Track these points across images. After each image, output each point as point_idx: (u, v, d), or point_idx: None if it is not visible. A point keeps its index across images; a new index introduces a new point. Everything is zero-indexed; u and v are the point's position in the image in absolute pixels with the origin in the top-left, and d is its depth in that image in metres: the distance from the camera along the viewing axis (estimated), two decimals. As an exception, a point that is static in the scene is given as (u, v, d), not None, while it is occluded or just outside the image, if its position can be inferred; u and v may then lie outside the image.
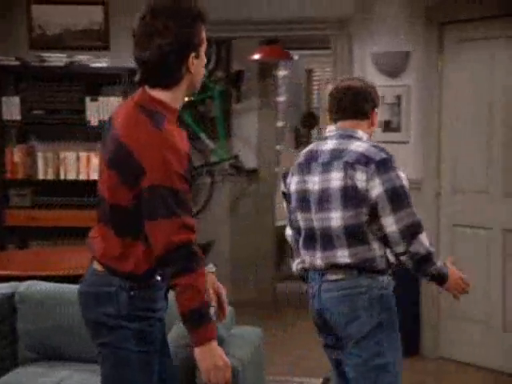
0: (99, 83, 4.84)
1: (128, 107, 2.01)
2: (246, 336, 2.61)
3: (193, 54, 2.00)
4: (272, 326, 4.89)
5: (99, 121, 4.72)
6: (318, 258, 2.42)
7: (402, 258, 2.34)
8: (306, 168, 2.47)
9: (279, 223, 6.58)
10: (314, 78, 7.39)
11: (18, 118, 4.73)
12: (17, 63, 4.75)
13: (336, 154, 2.41)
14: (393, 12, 4.54)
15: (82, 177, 4.79)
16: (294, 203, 2.51)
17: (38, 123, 4.75)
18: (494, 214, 4.14)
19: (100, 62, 4.80)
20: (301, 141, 7.33)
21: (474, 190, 4.25)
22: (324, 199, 2.39)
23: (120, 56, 4.89)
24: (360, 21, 4.68)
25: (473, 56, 4.19)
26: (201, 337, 1.91)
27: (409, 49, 4.49)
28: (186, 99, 6.25)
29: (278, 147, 6.47)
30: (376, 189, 2.32)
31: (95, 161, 4.77)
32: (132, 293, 1.96)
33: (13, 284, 2.80)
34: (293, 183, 2.51)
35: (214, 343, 1.91)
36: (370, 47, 4.62)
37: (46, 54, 4.75)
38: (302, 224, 2.48)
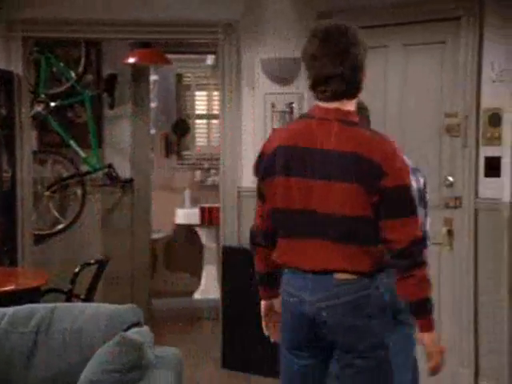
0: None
1: (331, 126, 2.19)
2: (167, 359, 2.43)
3: None
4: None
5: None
6: None
7: None
8: None
9: (155, 236, 6.39)
10: (185, 83, 7.26)
11: None
12: None
13: None
14: (283, 16, 4.52)
15: None
16: None
17: None
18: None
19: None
20: (172, 149, 7.16)
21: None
22: None
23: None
24: (248, 24, 4.62)
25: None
26: (431, 323, 2.19)
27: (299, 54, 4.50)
28: (53, 104, 5.94)
29: (152, 156, 6.27)
30: None
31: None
32: (381, 290, 2.20)
33: None
34: None
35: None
36: (259, 53, 4.57)
37: None
38: None
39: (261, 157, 2.28)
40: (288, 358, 2.27)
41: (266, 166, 2.25)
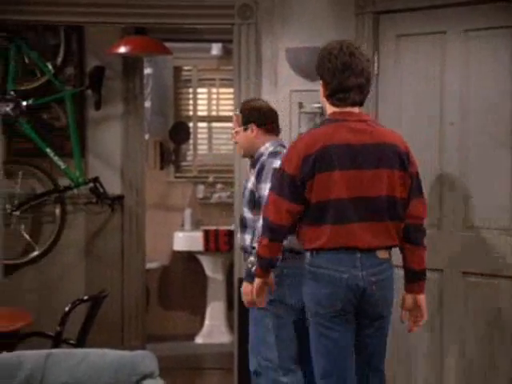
0: None
1: (368, 126, 3.27)
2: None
3: None
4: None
5: None
6: None
7: None
8: None
9: (148, 265, 6.39)
10: (184, 78, 7.29)
11: None
12: None
13: None
14: (314, -2, 4.57)
15: None
16: None
17: None
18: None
19: None
20: (169, 159, 7.17)
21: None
22: None
23: None
24: (270, 6, 4.64)
25: (417, 54, 4.30)
26: (424, 287, 3.33)
27: (335, 44, 4.53)
28: (24, 103, 5.95)
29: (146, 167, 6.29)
30: None
31: None
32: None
33: None
34: None
35: None
36: (284, 41, 4.58)
37: None
38: None
39: (306, 158, 3.16)
40: (327, 331, 3.21)
41: (316, 165, 3.15)
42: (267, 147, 3.75)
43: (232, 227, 5.39)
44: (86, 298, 3.87)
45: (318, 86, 4.48)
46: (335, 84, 3.23)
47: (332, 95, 3.26)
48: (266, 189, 3.49)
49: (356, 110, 3.26)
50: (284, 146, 3.76)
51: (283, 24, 4.62)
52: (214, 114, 7.34)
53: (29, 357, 2.53)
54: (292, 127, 4.65)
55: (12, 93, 5.62)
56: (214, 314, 6.78)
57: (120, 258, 5.90)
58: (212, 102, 7.33)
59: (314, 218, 3.17)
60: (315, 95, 4.53)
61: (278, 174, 3.24)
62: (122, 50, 5.62)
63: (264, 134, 3.78)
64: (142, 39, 5.66)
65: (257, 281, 3.36)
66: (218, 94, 7.29)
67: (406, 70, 4.34)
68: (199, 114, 7.31)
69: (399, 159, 3.22)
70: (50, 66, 5.79)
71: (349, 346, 3.23)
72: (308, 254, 3.23)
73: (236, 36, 4.71)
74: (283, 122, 4.59)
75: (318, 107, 4.52)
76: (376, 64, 4.41)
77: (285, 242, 3.37)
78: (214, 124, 7.34)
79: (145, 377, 2.46)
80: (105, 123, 5.89)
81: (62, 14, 4.80)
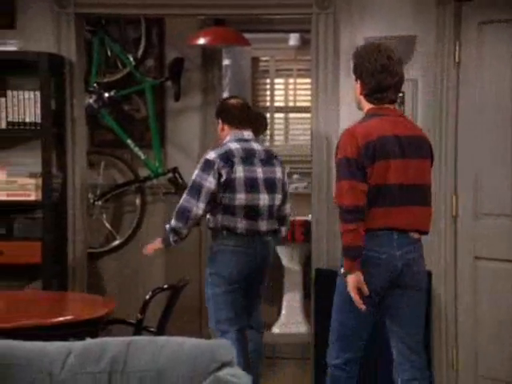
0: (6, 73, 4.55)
1: (406, 121, 3.61)
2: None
3: None
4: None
5: (8, 122, 4.45)
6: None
7: None
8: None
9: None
10: (262, 69, 7.31)
11: None
12: None
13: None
14: (393, -14, 4.51)
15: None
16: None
17: None
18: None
19: (5, 45, 4.50)
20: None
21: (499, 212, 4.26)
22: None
23: (32, 37, 4.62)
24: (349, -4, 4.61)
25: (499, 41, 4.21)
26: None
27: (415, 32, 4.46)
28: (106, 95, 6.02)
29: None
30: None
31: (1, 175, 4.52)
32: None
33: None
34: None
35: None
36: (363, 30, 4.55)
37: None
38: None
39: (367, 144, 3.39)
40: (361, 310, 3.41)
41: (377, 152, 3.40)
42: (227, 140, 4.27)
43: (309, 217, 5.37)
44: (165, 286, 3.91)
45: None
46: (374, 84, 3.47)
47: (370, 94, 3.50)
48: (193, 174, 4.17)
49: (392, 106, 3.53)
50: (242, 140, 4.24)
51: (362, 13, 4.58)
52: (291, 104, 7.33)
53: (112, 344, 2.55)
54: (370, 117, 4.60)
55: (95, 85, 5.71)
56: (291, 304, 6.76)
57: (198, 247, 5.94)
58: (289, 93, 7.32)
59: (368, 200, 3.38)
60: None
61: (343, 161, 3.40)
62: (202, 41, 5.65)
63: (229, 128, 4.30)
64: (221, 30, 5.69)
65: (351, 278, 3.39)
66: (295, 84, 7.28)
67: (487, 57, 4.24)
68: (276, 104, 7.31)
69: (430, 150, 3.57)
70: (131, 59, 5.86)
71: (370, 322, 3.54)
72: None
73: (314, 26, 4.67)
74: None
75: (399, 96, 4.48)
76: (457, 53, 4.33)
77: (211, 223, 4.12)
78: (291, 115, 7.34)
79: (223, 365, 2.45)
80: (184, 114, 5.94)
81: (143, 7, 4.86)
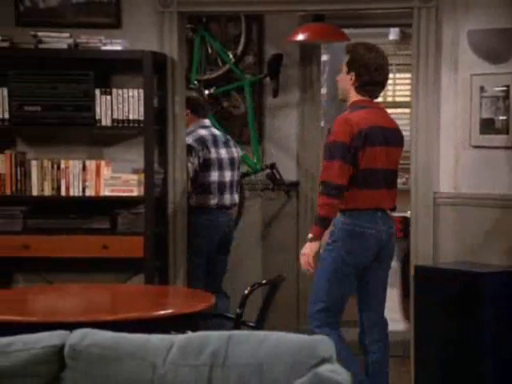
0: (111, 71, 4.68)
1: (386, 114, 4.27)
2: None
3: None
4: None
5: (113, 120, 4.54)
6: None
7: None
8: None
9: (324, 251, 6.40)
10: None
11: (6, 115, 4.56)
12: (4, 44, 4.53)
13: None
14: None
15: (89, 192, 4.59)
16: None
17: (32, 123, 4.57)
18: None
19: (112, 44, 4.59)
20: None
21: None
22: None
23: (136, 36, 4.71)
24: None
25: None
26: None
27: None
28: (207, 92, 6.12)
29: (321, 154, 6.29)
30: None
31: (106, 172, 4.62)
32: None
33: (61, 333, 2.56)
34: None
35: None
36: (466, 23, 4.46)
37: (42, 33, 4.54)
38: None
39: (360, 132, 3.92)
40: (352, 279, 4.11)
41: (367, 140, 3.93)
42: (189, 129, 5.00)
43: (407, 214, 5.30)
44: (264, 281, 3.93)
45: (501, 69, 4.42)
46: (367, 78, 4.01)
47: (362, 86, 4.02)
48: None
49: (375, 100, 4.12)
50: (204, 127, 5.09)
51: (466, 6, 4.48)
52: (389, 99, 7.25)
53: (212, 337, 2.57)
54: (472, 112, 4.51)
55: (195, 82, 5.78)
56: (389, 301, 6.67)
57: (295, 244, 5.93)
58: (388, 88, 7.24)
59: (357, 183, 3.93)
60: (498, 78, 4.42)
61: (337, 144, 3.90)
62: (301, 37, 5.62)
63: (193, 118, 5.06)
64: (320, 26, 5.65)
65: (315, 244, 3.95)
66: (394, 79, 7.19)
67: None
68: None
69: (402, 140, 4.15)
70: (231, 56, 5.90)
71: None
72: (345, 213, 3.98)
73: (415, 20, 4.60)
74: (463, 107, 4.50)
75: (501, 90, 4.38)
76: None
77: (192, 200, 4.88)
78: (390, 110, 7.24)
79: (323, 361, 2.44)
80: (282, 110, 5.95)
81: (244, 4, 4.89)
